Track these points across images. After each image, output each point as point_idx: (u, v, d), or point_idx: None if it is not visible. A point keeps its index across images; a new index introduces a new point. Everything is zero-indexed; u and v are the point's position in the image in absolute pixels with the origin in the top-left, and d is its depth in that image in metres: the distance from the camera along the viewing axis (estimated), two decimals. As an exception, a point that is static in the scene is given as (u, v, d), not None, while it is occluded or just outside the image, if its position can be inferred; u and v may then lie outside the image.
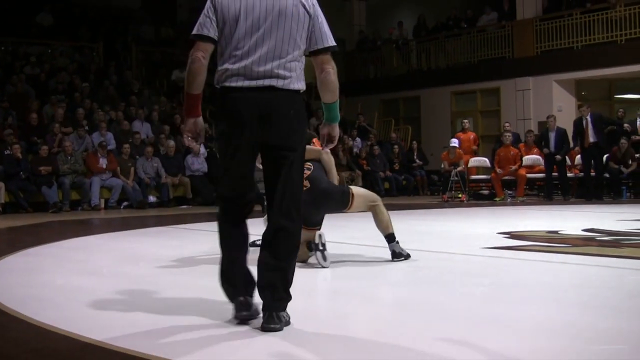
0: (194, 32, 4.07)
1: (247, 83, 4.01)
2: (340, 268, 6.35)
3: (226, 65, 4.05)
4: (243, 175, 4.18)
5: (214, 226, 4.46)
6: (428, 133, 23.44)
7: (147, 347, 3.69)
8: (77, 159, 16.67)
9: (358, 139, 21.87)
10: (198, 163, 17.58)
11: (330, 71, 4.21)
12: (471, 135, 19.60)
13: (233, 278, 4.23)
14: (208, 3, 4.09)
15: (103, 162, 16.73)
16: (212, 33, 4.04)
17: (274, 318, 3.97)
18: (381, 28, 27.27)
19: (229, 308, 4.26)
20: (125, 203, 16.78)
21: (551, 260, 6.92)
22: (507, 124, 19.28)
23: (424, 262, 6.96)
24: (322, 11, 4.26)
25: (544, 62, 21.40)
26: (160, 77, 23.88)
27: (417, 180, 21.30)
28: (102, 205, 16.44)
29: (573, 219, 11.79)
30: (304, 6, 4.13)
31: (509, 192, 17.70)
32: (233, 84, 4.03)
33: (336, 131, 4.31)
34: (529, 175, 17.72)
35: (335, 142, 4.35)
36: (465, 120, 20.08)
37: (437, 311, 4.58)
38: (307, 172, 6.36)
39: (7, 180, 15.55)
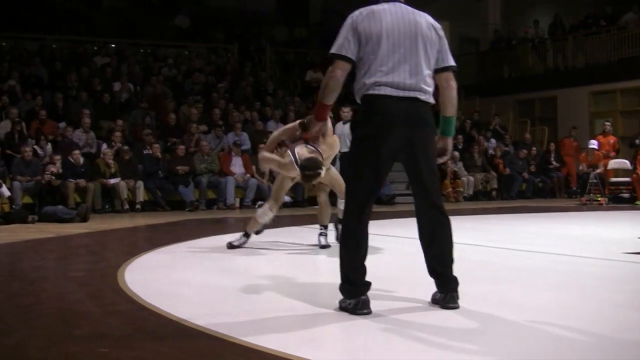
0: (335, 51, 4.49)
1: (395, 92, 4.43)
2: (479, 271, 6.24)
3: (374, 79, 4.45)
4: (379, 177, 4.55)
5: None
6: (565, 134, 22.81)
7: (286, 346, 3.68)
8: (213, 159, 16.98)
9: (492, 140, 21.56)
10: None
11: (455, 86, 4.67)
12: (611, 139, 18.97)
13: (354, 277, 4.51)
14: (348, 26, 4.51)
15: (237, 162, 16.97)
16: (351, 54, 4.47)
17: (454, 298, 4.57)
18: (516, 27, 26.79)
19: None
20: (260, 202, 16.96)
21: (700, 267, 6.63)
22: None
23: (562, 266, 6.79)
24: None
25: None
26: (294, 78, 24.09)
27: (553, 182, 20.86)
28: (237, 205, 16.68)
29: None
30: (435, 29, 4.61)
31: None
32: (382, 92, 4.43)
33: (450, 145, 4.80)
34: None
35: (449, 156, 4.85)
36: (607, 123, 19.47)
37: (577, 316, 4.41)
38: None
39: (146, 179, 15.98)
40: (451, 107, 4.66)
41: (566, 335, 3.93)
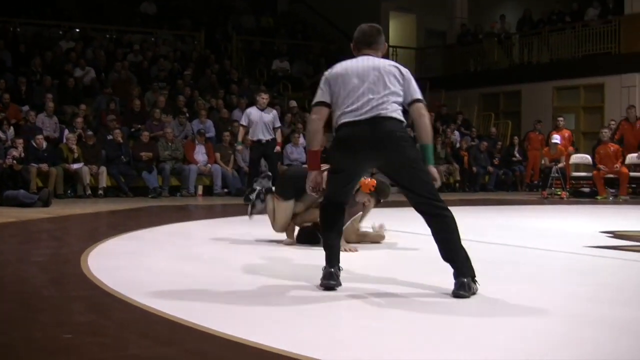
0: (314, 102, 5.04)
1: (357, 117, 4.79)
2: (440, 263, 6.26)
3: (339, 111, 4.89)
4: (346, 185, 5.11)
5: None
6: (528, 128, 22.95)
7: (245, 333, 3.69)
8: (177, 146, 16.91)
9: (457, 132, 21.65)
10: (297, 153, 17.59)
11: (427, 115, 4.92)
12: (566, 133, 19.05)
13: (327, 254, 5.01)
14: (322, 80, 5.03)
15: (200, 150, 16.91)
16: (324, 98, 4.97)
17: (463, 285, 4.68)
18: (483, 21, 26.90)
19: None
20: (224, 190, 16.91)
21: (658, 261, 6.73)
22: (612, 122, 18.87)
23: (524, 258, 6.86)
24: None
25: (653, 58, 20.74)
26: (260, 67, 24.02)
27: (515, 176, 21.02)
28: (200, 192, 16.63)
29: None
30: (398, 68, 4.94)
31: (612, 190, 17.28)
32: (345, 120, 4.83)
33: (435, 173, 4.92)
34: (632, 174, 17.28)
35: (439, 183, 4.96)
36: (560, 118, 19.44)
37: (539, 310, 4.43)
38: None
39: (109, 164, 15.88)
40: (426, 134, 4.90)
41: (528, 328, 3.97)
